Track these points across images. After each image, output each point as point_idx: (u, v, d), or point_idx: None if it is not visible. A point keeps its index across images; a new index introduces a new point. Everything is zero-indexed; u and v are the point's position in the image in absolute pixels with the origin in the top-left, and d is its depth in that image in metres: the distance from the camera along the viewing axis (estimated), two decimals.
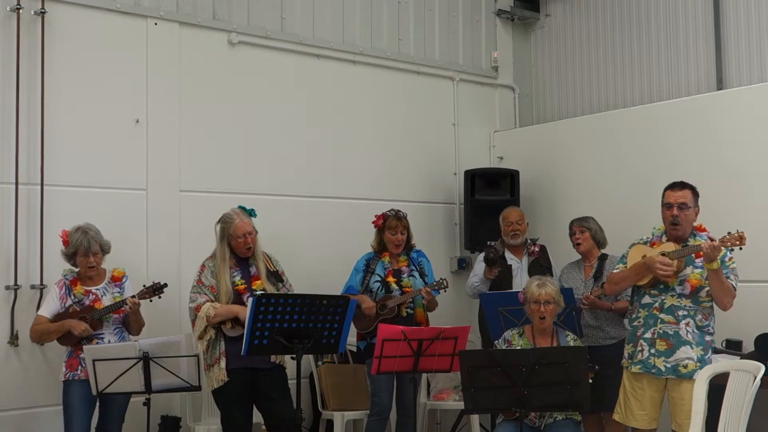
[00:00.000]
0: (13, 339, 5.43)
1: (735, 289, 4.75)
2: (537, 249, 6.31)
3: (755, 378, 4.33)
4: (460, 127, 7.88)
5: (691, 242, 4.81)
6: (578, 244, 5.91)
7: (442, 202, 7.73)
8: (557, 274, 6.19)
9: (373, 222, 5.83)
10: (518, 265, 6.26)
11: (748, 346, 5.71)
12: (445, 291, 5.77)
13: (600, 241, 5.93)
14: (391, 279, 5.71)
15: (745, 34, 6.85)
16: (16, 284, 5.45)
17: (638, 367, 4.78)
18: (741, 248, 4.61)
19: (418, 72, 7.64)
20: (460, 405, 6.05)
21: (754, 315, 5.80)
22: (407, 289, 5.69)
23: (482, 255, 6.26)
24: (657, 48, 7.42)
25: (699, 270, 4.75)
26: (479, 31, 8.18)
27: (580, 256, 6.03)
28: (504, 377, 4.28)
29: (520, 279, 6.13)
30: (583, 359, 4.34)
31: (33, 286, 5.51)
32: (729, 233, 4.61)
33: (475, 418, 6.37)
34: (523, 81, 8.42)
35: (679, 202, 4.78)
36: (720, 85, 6.93)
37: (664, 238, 4.89)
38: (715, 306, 4.84)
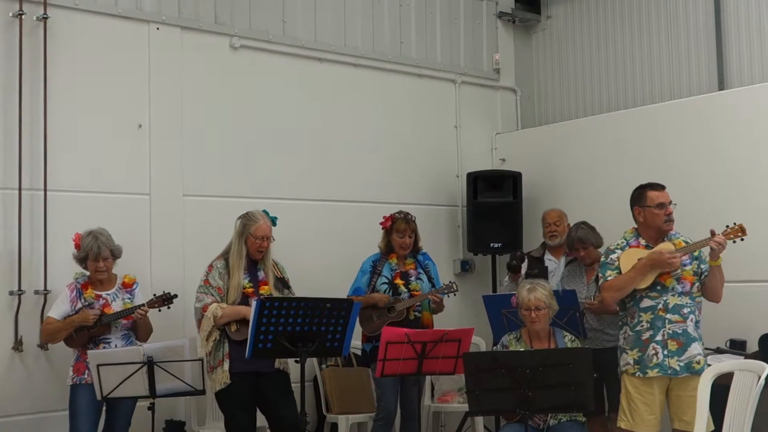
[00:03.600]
0: (18, 344, 5.43)
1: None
2: None
3: (759, 378, 4.33)
4: (462, 130, 7.89)
5: (668, 241, 4.85)
6: (584, 259, 5.88)
7: (445, 204, 7.73)
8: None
9: (381, 223, 5.84)
10: (556, 265, 6.25)
11: (753, 346, 5.71)
12: (455, 295, 5.78)
13: (599, 244, 5.91)
14: (399, 281, 5.71)
15: (746, 34, 6.86)
16: (20, 290, 5.45)
17: (656, 370, 4.72)
18: (743, 239, 4.67)
19: (419, 75, 7.65)
20: (465, 407, 6.03)
21: (758, 315, 5.81)
22: (415, 293, 5.69)
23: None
24: (658, 49, 7.43)
25: (688, 267, 4.79)
26: (480, 34, 8.19)
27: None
28: (508, 379, 4.28)
29: (557, 279, 6.11)
30: (587, 360, 4.34)
31: (37, 292, 5.51)
32: (728, 226, 4.69)
33: (479, 420, 6.37)
34: (524, 83, 8.43)
35: (669, 200, 4.87)
36: (721, 85, 6.93)
37: (641, 240, 4.91)
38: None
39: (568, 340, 5.06)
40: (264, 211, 5.31)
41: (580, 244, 5.86)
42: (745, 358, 5.37)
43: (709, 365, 4.88)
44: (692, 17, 7.19)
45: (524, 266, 6.17)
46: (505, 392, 4.31)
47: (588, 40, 8.02)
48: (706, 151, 6.37)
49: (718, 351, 5.74)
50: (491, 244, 7.35)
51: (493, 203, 7.37)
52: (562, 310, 5.28)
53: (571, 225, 6.14)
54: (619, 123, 7.09)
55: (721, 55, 6.98)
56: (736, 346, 5.82)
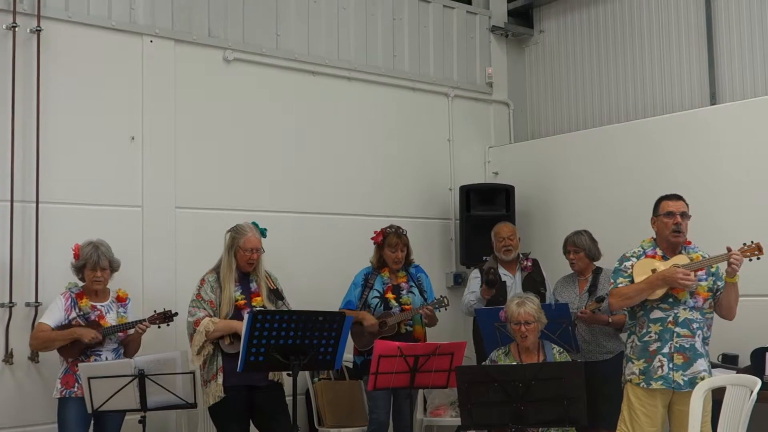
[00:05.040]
0: (8, 357, 5.41)
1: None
2: (530, 264, 6.30)
3: (752, 392, 4.33)
4: (455, 143, 7.90)
5: (684, 254, 4.83)
6: (573, 264, 5.91)
7: (438, 217, 7.74)
8: (551, 288, 6.19)
9: (372, 238, 5.83)
10: (512, 280, 6.25)
11: (745, 360, 5.71)
12: (446, 309, 5.77)
13: (594, 256, 5.93)
14: (390, 295, 5.70)
15: (737, 49, 6.90)
16: (11, 302, 5.43)
17: (660, 383, 4.70)
18: (759, 258, 4.65)
19: (413, 88, 7.67)
20: (457, 421, 6.03)
21: (750, 329, 5.79)
22: (406, 307, 5.68)
23: (476, 271, 6.27)
24: (650, 63, 7.47)
25: (704, 282, 4.77)
26: (474, 48, 8.22)
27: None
28: (501, 393, 4.28)
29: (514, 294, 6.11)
30: (579, 375, 4.34)
31: (28, 304, 5.49)
32: (745, 244, 4.67)
33: None
34: (517, 96, 8.45)
35: (681, 211, 4.83)
36: (713, 99, 6.97)
37: (658, 250, 4.89)
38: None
39: (556, 352, 5.06)
40: (253, 223, 5.30)
41: (572, 247, 5.88)
42: (738, 372, 5.37)
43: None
44: (684, 32, 7.24)
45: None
46: (498, 406, 4.30)
47: (580, 54, 8.06)
48: (698, 165, 6.39)
49: (711, 365, 5.74)
50: (484, 258, 7.32)
51: (486, 216, 7.36)
52: (554, 323, 5.28)
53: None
54: (612, 137, 7.11)
55: (712, 70, 7.02)
56: (729, 361, 5.83)
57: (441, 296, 5.76)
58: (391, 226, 5.83)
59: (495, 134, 8.24)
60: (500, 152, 8.10)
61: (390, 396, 5.54)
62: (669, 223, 4.83)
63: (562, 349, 5.14)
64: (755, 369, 5.38)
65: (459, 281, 7.68)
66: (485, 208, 7.47)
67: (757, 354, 5.53)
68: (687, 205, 4.90)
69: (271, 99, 6.74)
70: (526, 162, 7.78)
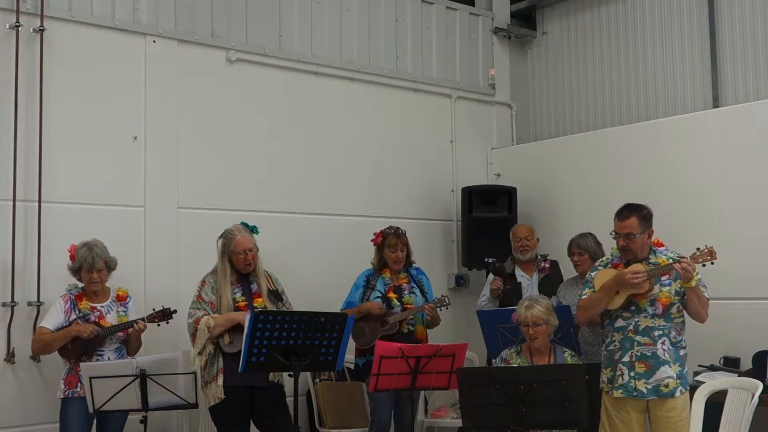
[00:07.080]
0: (10, 356, 5.41)
1: (708, 299, 4.73)
2: (547, 265, 6.29)
3: (753, 395, 4.33)
4: (458, 145, 7.90)
5: (652, 259, 4.78)
6: (577, 266, 5.91)
7: (440, 219, 7.74)
8: None
9: (372, 240, 5.83)
10: (528, 281, 6.25)
11: (746, 364, 5.71)
12: (447, 308, 5.77)
13: (598, 259, 5.92)
14: (392, 295, 5.71)
15: (740, 51, 6.90)
16: (13, 301, 5.43)
17: (620, 391, 4.72)
18: (713, 263, 4.58)
19: (415, 89, 7.67)
20: (458, 423, 6.03)
21: (751, 332, 5.81)
22: (408, 306, 5.69)
23: (491, 275, 6.28)
24: (653, 65, 7.47)
25: (667, 288, 4.71)
26: (476, 49, 8.22)
27: None
28: (502, 395, 4.27)
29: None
30: (581, 377, 4.34)
31: (30, 303, 5.49)
32: (698, 249, 4.60)
33: None
34: (520, 98, 8.45)
35: (624, 233, 4.76)
36: (716, 102, 6.96)
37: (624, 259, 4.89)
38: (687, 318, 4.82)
39: (568, 356, 5.06)
40: (242, 223, 5.30)
41: (577, 249, 5.88)
42: (739, 375, 5.37)
43: (702, 382, 4.88)
44: (687, 35, 7.23)
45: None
46: (499, 408, 4.29)
47: (583, 56, 8.05)
48: (701, 168, 6.39)
49: (712, 368, 5.74)
50: (486, 259, 7.33)
51: (488, 218, 7.37)
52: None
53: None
54: (614, 139, 7.11)
55: (715, 73, 7.01)
56: (730, 364, 5.82)
57: (442, 296, 5.77)
58: (390, 227, 5.85)
59: (497, 136, 8.25)
60: (502, 154, 8.10)
61: (392, 397, 5.54)
62: (619, 242, 4.82)
63: (573, 353, 5.14)
64: (757, 372, 5.37)
65: (461, 283, 7.68)
66: (487, 210, 7.47)
67: (759, 357, 5.53)
68: (642, 217, 4.77)
69: (274, 99, 6.74)
70: (529, 164, 7.78)
